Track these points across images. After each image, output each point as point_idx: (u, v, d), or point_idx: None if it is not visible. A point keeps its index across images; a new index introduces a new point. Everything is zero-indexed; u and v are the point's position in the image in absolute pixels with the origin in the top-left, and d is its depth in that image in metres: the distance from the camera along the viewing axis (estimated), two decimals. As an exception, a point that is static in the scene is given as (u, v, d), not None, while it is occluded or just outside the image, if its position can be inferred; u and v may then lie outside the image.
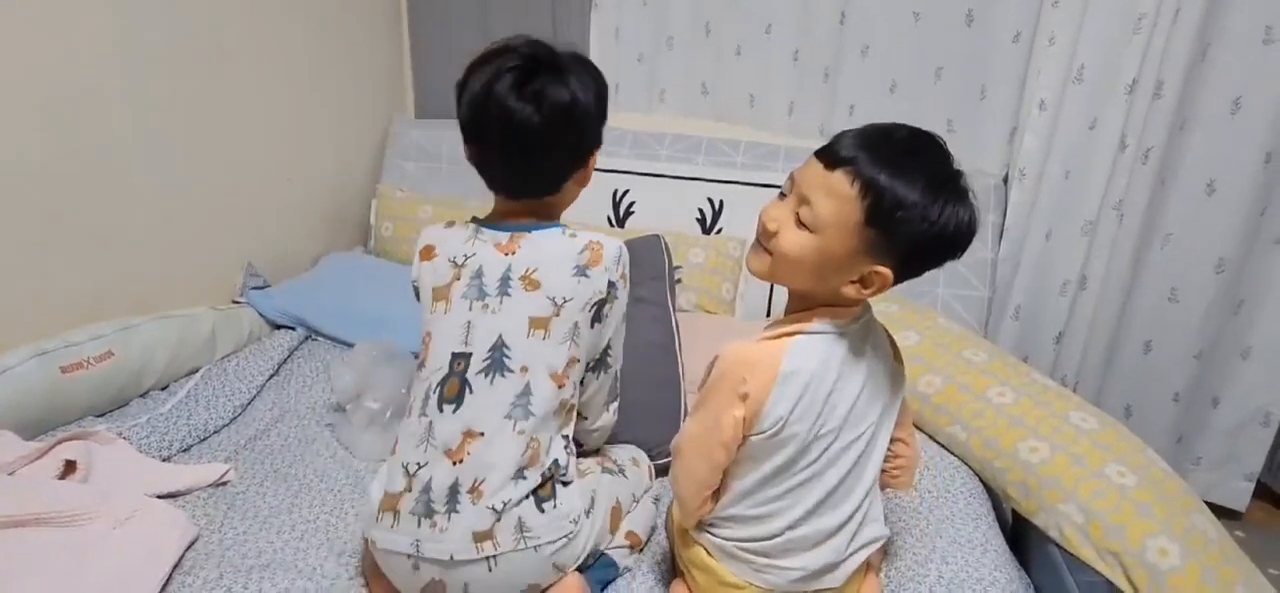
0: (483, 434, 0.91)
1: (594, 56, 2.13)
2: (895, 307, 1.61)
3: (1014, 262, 1.87)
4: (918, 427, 1.43)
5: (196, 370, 1.46)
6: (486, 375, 0.93)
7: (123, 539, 0.97)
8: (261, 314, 1.68)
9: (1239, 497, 1.93)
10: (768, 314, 1.89)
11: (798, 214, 0.82)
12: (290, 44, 1.78)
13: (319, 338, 1.66)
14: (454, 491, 0.90)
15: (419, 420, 0.94)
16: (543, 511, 0.91)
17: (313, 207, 1.96)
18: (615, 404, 1.11)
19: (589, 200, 1.92)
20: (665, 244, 1.73)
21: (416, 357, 1.00)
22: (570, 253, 0.96)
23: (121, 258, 1.43)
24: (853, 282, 0.83)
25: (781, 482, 0.87)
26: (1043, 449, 1.24)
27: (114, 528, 0.98)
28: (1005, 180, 1.90)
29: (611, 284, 0.97)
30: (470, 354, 0.94)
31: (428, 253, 1.01)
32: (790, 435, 0.84)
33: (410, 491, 0.91)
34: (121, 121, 1.40)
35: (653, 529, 1.10)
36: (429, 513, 0.89)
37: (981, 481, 1.33)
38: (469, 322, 0.95)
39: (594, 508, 0.99)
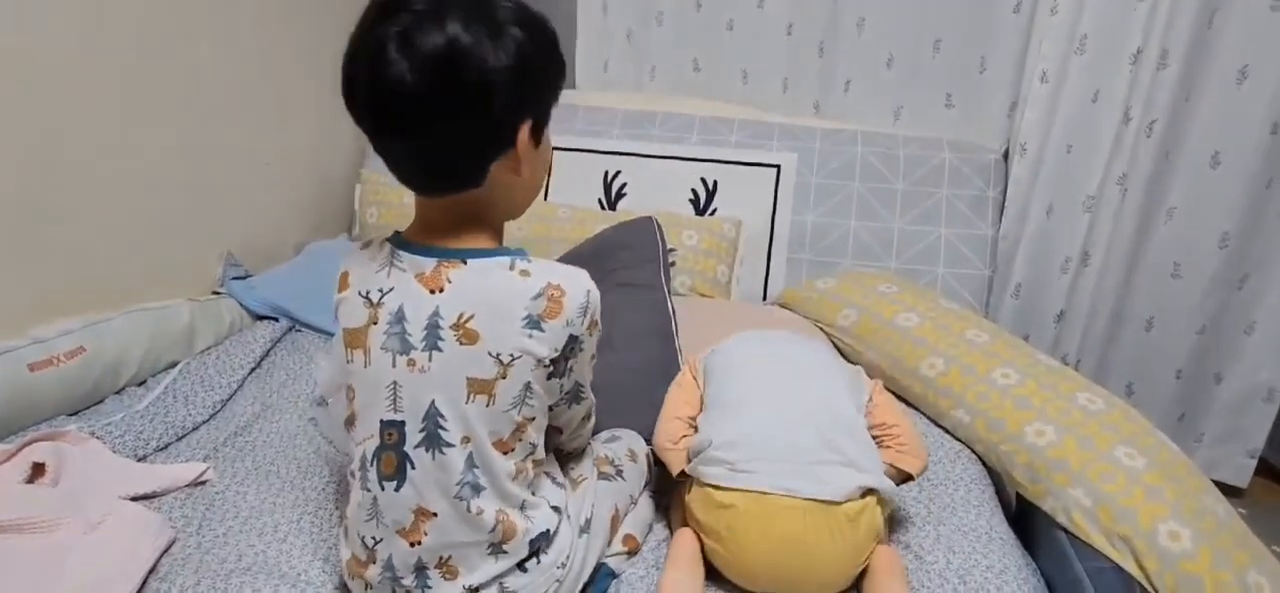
0: (435, 514, 0.78)
1: (581, 33, 2.07)
2: (894, 287, 1.58)
3: (1014, 239, 1.83)
4: (922, 410, 1.40)
5: (174, 365, 1.41)
6: (426, 449, 0.77)
7: (94, 546, 0.92)
8: (242, 305, 1.62)
9: (1241, 473, 1.91)
10: (763, 298, 1.85)
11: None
12: (266, 19, 1.71)
13: (303, 329, 1.61)
14: (421, 569, 0.80)
15: (362, 492, 0.81)
16: (526, 569, 0.82)
17: (294, 193, 1.90)
18: (591, 423, 0.99)
19: (579, 183, 1.90)
20: (659, 226, 1.68)
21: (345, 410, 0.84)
22: (519, 297, 0.75)
23: (91, 249, 1.38)
24: None
25: None
26: (1049, 432, 1.21)
27: (85, 534, 0.94)
28: (1005, 156, 1.86)
29: (574, 338, 0.78)
30: (403, 423, 0.77)
31: (342, 283, 0.83)
32: None
33: (374, 563, 0.81)
34: (87, 104, 1.34)
35: (650, 528, 1.06)
36: (398, 589, 0.81)
37: (985, 465, 1.30)
38: (394, 382, 0.77)
39: (592, 525, 0.91)
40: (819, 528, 0.92)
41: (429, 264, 0.77)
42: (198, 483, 1.09)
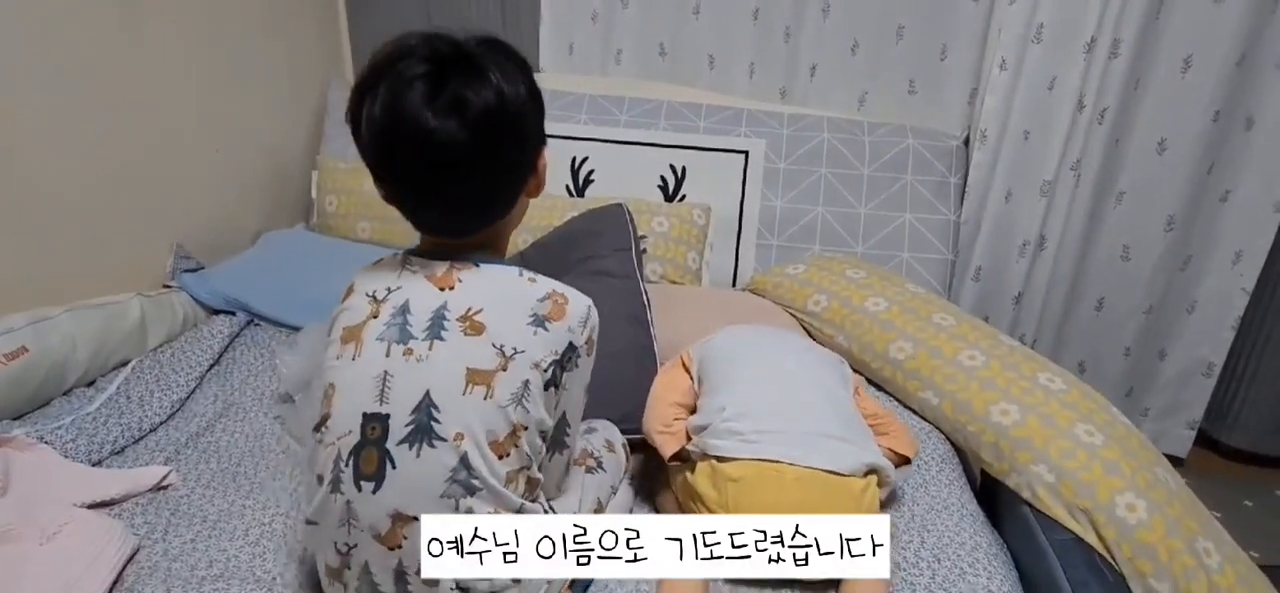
0: (415, 519, 0.75)
1: (545, 16, 2.04)
2: (862, 273, 1.60)
3: (975, 223, 1.88)
4: (891, 393, 1.43)
5: (125, 364, 1.34)
6: (411, 445, 0.74)
7: (51, 557, 0.88)
8: (196, 299, 1.55)
9: (1182, 444, 2.01)
10: (733, 283, 1.86)
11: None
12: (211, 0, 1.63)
13: (262, 323, 1.55)
14: (400, 575, 0.77)
15: (332, 496, 0.77)
16: None
17: (246, 180, 1.83)
18: (567, 478, 0.94)
19: (546, 169, 1.87)
20: (629, 213, 1.67)
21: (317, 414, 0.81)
22: (526, 297, 0.79)
23: (31, 243, 1.30)
24: None
25: None
26: (1014, 411, 1.25)
27: (41, 545, 0.89)
28: (966, 142, 1.90)
29: (573, 347, 0.80)
30: (387, 416, 0.75)
31: (347, 294, 0.84)
32: None
33: (349, 569, 0.78)
34: (24, 90, 1.26)
35: (630, 513, 1.06)
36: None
37: (952, 444, 1.33)
38: (385, 372, 0.75)
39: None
40: (829, 500, 0.94)
41: (442, 267, 0.80)
42: (160, 487, 1.04)
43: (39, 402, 1.21)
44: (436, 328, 0.76)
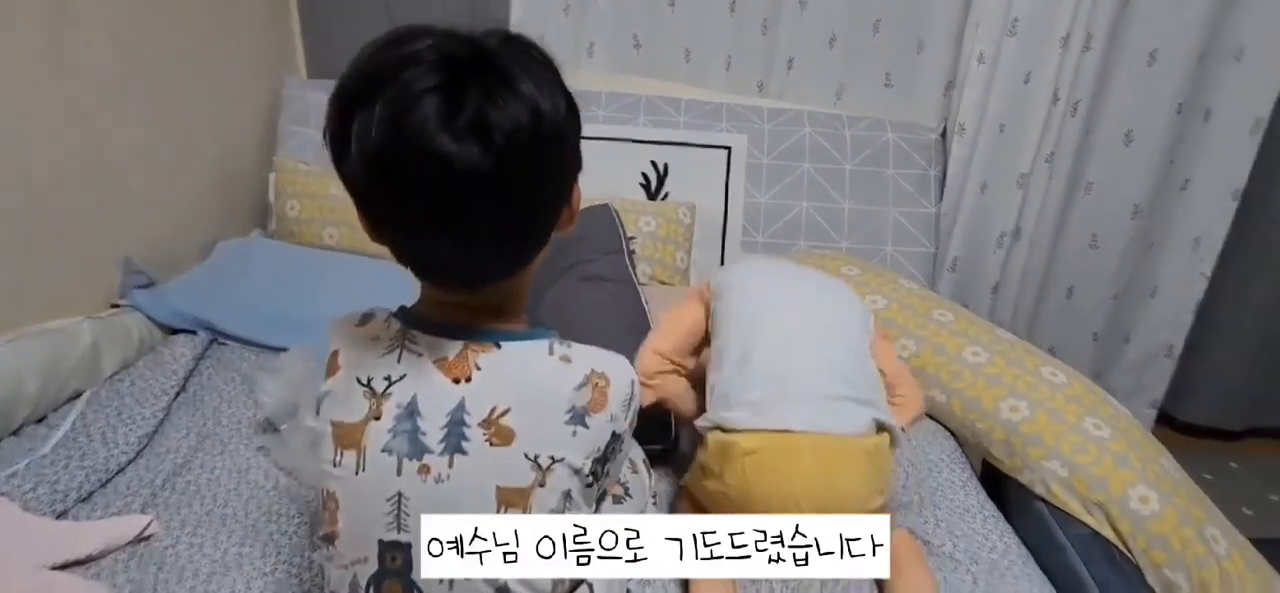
0: None
1: (515, 7, 1.94)
2: (856, 269, 1.59)
3: (953, 215, 1.90)
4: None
5: (79, 395, 1.21)
6: (441, 580, 0.66)
7: (24, 632, 0.77)
8: (150, 318, 1.42)
9: (1145, 423, 2.09)
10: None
11: None
12: None
13: (227, 342, 1.43)
14: None
15: None
16: None
17: (196, 186, 1.68)
18: None
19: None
20: (617, 213, 1.62)
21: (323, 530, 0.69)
22: (562, 386, 0.65)
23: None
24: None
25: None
26: (1022, 408, 1.26)
27: (9, 617, 0.78)
28: (943, 135, 1.91)
29: (616, 436, 0.68)
30: (409, 546, 0.65)
31: (331, 365, 0.69)
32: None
33: None
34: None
35: None
36: None
37: (955, 439, 1.34)
38: (399, 495, 0.64)
39: None
40: (841, 463, 0.95)
41: (453, 348, 0.65)
42: (141, 539, 0.93)
43: (-16, 445, 1.08)
44: (455, 437, 0.63)
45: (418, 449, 0.64)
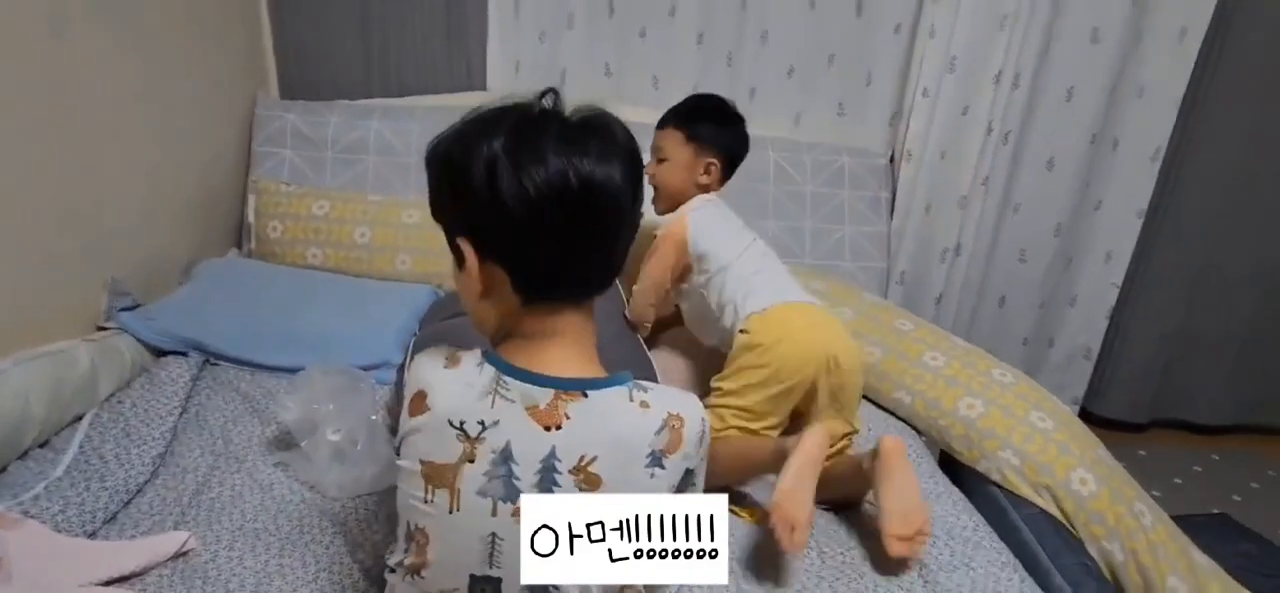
0: None
1: (493, 34, 2.01)
2: (823, 284, 1.73)
3: (900, 234, 2.08)
4: (866, 395, 1.55)
5: (79, 418, 1.20)
6: None
7: (84, 646, 0.79)
8: (140, 340, 1.40)
9: (1067, 419, 2.33)
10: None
11: (658, 159, 1.45)
12: (121, 8, 1.45)
13: (221, 363, 1.43)
14: None
15: None
16: None
17: (174, 207, 1.66)
18: None
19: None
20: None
21: (403, 552, 0.73)
22: (643, 432, 0.70)
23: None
24: (703, 174, 1.43)
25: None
26: (978, 405, 1.42)
27: (66, 634, 0.80)
28: (891, 160, 2.09)
29: (690, 473, 0.72)
30: (500, 580, 0.69)
31: (418, 404, 0.71)
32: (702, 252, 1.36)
33: None
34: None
35: None
36: None
37: (918, 435, 1.49)
38: (493, 535, 0.68)
39: None
40: (835, 324, 1.29)
41: (544, 396, 0.69)
42: (180, 554, 0.95)
43: (-6, 469, 1.06)
44: (547, 483, 0.68)
45: (512, 493, 0.68)
